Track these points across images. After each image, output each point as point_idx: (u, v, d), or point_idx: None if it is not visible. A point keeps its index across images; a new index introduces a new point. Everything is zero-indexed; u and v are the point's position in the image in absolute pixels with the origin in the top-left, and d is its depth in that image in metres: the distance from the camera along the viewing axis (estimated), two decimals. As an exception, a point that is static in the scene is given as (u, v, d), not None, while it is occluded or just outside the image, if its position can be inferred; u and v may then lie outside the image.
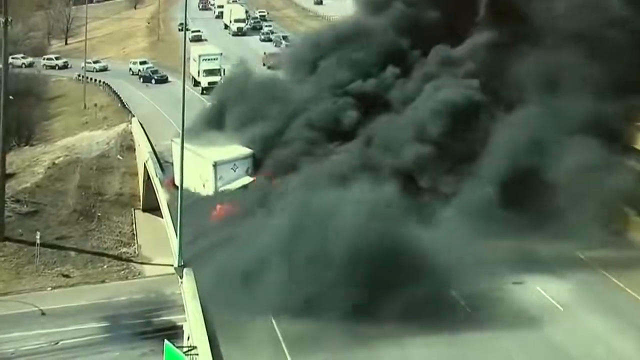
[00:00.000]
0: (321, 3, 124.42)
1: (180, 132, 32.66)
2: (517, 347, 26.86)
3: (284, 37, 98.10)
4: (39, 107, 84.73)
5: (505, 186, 33.06)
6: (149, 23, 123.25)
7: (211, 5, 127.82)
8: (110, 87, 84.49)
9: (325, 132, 38.44)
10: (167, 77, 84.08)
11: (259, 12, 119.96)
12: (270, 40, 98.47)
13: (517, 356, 26.55)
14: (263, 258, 28.71)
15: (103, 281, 49.20)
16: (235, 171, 38.99)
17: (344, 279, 27.10)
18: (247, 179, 38.62)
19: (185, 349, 26.63)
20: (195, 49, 77.47)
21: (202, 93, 70.83)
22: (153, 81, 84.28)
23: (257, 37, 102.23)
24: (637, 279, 31.23)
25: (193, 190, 38.47)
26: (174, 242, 33.54)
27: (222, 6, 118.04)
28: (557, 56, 36.30)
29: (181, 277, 31.48)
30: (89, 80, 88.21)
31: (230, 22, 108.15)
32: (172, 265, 33.43)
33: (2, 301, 45.92)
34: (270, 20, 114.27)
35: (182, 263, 31.42)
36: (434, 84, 38.23)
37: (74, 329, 42.15)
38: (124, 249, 52.80)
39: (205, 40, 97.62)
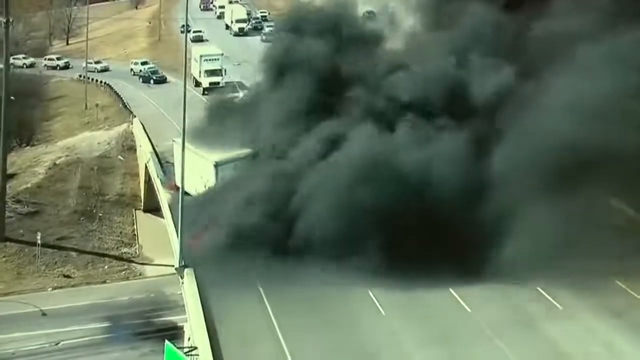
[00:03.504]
0: None
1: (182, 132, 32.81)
2: (515, 347, 26.87)
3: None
4: (40, 108, 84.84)
5: None
6: (150, 23, 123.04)
7: (212, 5, 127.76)
8: (112, 88, 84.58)
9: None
10: (165, 78, 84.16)
11: (261, 12, 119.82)
12: (271, 40, 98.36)
13: (516, 356, 26.56)
14: None
15: (104, 281, 49.23)
16: (235, 171, 38.93)
17: None
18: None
19: (185, 350, 26.67)
20: (196, 50, 77.52)
21: (203, 93, 70.87)
22: (152, 81, 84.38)
23: (259, 37, 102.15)
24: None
25: (195, 191, 38.51)
26: (175, 243, 33.59)
27: (223, 6, 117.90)
28: None
29: (182, 278, 31.52)
30: (90, 80, 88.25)
31: (232, 22, 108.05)
32: (173, 266, 33.48)
33: (3, 301, 45.99)
34: (272, 21, 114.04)
35: (183, 263, 31.47)
36: None
37: (75, 330, 42.20)
38: (125, 250, 52.82)
39: (207, 40, 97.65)
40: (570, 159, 29.62)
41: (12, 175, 59.65)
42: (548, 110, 31.44)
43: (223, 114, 43.54)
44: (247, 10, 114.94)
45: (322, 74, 38.25)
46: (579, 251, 28.51)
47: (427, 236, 30.13)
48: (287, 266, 30.82)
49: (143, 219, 56.41)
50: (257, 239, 31.73)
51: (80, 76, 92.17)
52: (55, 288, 48.24)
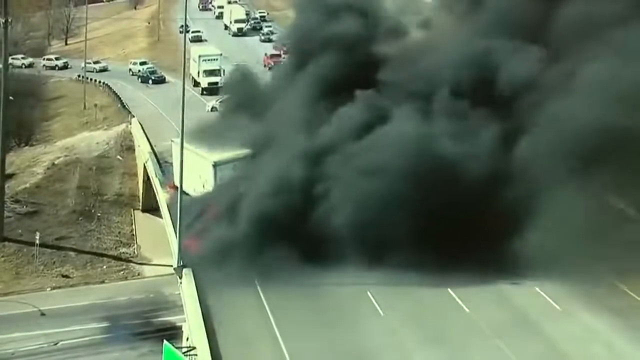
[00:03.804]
0: None
1: (180, 132, 32.76)
2: (515, 347, 26.83)
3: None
4: (39, 108, 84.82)
5: None
6: (149, 23, 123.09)
7: (211, 5, 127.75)
8: (110, 88, 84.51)
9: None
10: (164, 78, 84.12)
11: (259, 12, 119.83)
12: (270, 40, 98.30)
13: (516, 356, 26.51)
14: None
15: (102, 281, 49.22)
16: (235, 171, 38.87)
17: None
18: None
19: (184, 350, 26.63)
20: (195, 50, 77.45)
21: (202, 93, 70.88)
22: (150, 82, 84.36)
23: (258, 37, 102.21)
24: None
25: (193, 191, 38.45)
26: (174, 243, 33.54)
27: (222, 7, 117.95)
28: None
29: (180, 278, 31.48)
30: (89, 80, 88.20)
31: (231, 22, 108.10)
32: (171, 266, 33.43)
33: (2, 302, 45.96)
34: (271, 21, 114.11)
35: (182, 263, 31.42)
36: None
37: (74, 330, 42.17)
38: (124, 250, 52.80)
39: (206, 40, 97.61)
40: (601, 145, 29.29)
41: (10, 175, 59.64)
42: (580, 95, 30.96)
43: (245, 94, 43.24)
44: (246, 11, 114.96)
45: (352, 55, 37.47)
46: (595, 247, 28.39)
47: (455, 229, 29.78)
48: (286, 265, 30.67)
49: (141, 218, 56.40)
50: (282, 229, 31.18)
51: (79, 76, 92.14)
52: (53, 288, 48.22)
